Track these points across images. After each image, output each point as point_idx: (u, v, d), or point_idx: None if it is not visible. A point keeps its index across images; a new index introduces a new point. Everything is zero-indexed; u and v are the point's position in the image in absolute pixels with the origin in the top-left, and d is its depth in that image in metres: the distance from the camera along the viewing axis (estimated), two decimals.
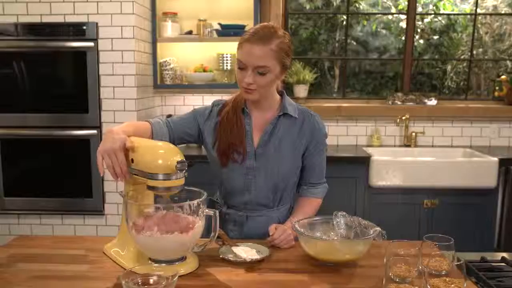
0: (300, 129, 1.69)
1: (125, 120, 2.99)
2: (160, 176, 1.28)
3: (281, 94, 1.72)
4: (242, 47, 1.54)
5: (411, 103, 3.57)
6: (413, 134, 3.52)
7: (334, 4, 3.81)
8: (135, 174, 1.35)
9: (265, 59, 1.52)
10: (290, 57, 1.60)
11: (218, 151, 1.67)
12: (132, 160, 1.34)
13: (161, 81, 3.40)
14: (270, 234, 1.53)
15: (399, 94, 3.61)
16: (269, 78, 1.56)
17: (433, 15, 3.78)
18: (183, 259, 1.35)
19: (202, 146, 1.77)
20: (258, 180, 1.66)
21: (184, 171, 1.30)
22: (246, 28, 3.27)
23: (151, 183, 1.29)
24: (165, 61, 3.37)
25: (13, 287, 1.25)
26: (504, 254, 1.52)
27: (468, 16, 3.72)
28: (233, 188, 1.69)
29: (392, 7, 3.78)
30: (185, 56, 3.48)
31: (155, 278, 1.14)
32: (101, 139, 2.98)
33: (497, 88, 3.66)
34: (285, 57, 1.57)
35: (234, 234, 1.70)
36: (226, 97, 3.59)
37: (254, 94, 1.58)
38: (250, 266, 1.38)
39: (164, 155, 1.29)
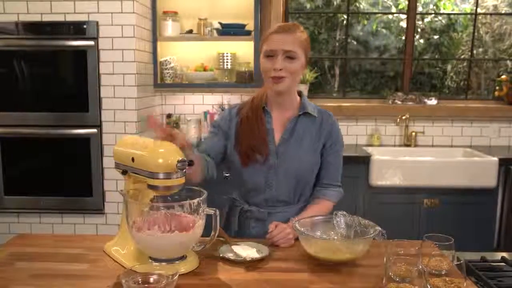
0: (320, 128, 1.73)
1: (125, 119, 3.00)
2: (161, 175, 1.28)
3: (299, 94, 1.77)
4: (269, 38, 1.62)
5: (411, 103, 3.57)
6: (413, 133, 3.53)
7: (335, 3, 3.80)
8: (135, 173, 1.35)
9: (293, 45, 1.60)
10: (309, 52, 1.69)
11: (239, 152, 1.69)
12: (133, 158, 1.34)
13: (161, 80, 3.40)
14: (269, 231, 1.54)
15: (399, 93, 3.61)
16: (297, 65, 1.62)
17: (433, 15, 3.77)
18: (183, 258, 1.35)
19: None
20: (279, 177, 1.69)
21: (184, 170, 1.30)
22: (247, 28, 3.27)
23: (152, 182, 1.29)
24: (165, 60, 3.37)
25: (12, 286, 1.25)
26: (504, 254, 1.52)
27: (469, 16, 3.72)
28: (255, 186, 1.71)
29: (393, 7, 3.78)
30: (185, 55, 3.48)
31: (155, 277, 1.14)
32: (101, 138, 3.02)
33: (497, 87, 3.66)
34: (307, 49, 1.66)
35: (256, 231, 1.71)
36: (226, 96, 3.60)
37: (283, 82, 1.62)
38: (250, 265, 1.38)
39: (164, 154, 1.29)
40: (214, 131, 1.78)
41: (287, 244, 1.53)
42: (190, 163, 1.31)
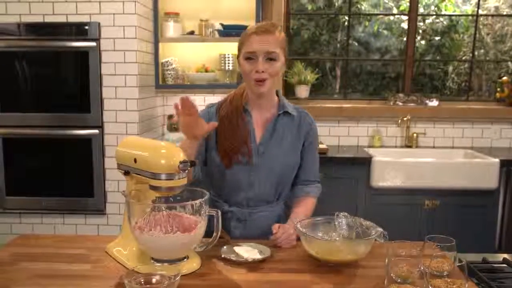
0: (299, 126, 1.75)
1: (126, 120, 3.01)
2: (163, 176, 1.28)
3: (277, 93, 1.78)
4: (249, 40, 1.61)
5: (412, 104, 3.57)
6: (414, 135, 3.53)
7: (336, 4, 3.81)
8: (138, 174, 1.35)
9: (274, 46, 1.60)
10: (287, 51, 1.70)
11: (221, 153, 1.68)
12: (135, 159, 1.34)
13: (163, 81, 3.41)
14: (274, 232, 1.54)
15: (401, 95, 3.61)
16: (278, 66, 1.63)
17: (434, 16, 3.77)
18: (185, 258, 1.35)
19: None
20: (261, 177, 1.69)
21: (186, 171, 1.30)
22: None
23: (154, 183, 1.30)
24: (167, 61, 3.38)
25: (14, 286, 1.25)
26: (506, 255, 1.52)
27: (470, 17, 3.72)
28: (237, 186, 1.71)
29: (394, 8, 3.78)
30: (187, 56, 3.49)
31: (157, 277, 1.15)
32: (103, 139, 3.02)
33: (498, 89, 3.66)
34: (286, 49, 1.66)
35: (237, 231, 1.71)
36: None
37: (265, 84, 1.63)
38: (252, 266, 1.38)
39: (166, 155, 1.29)
40: None
41: (291, 244, 1.54)
42: (192, 164, 1.31)
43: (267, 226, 1.61)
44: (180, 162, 1.27)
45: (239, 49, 1.66)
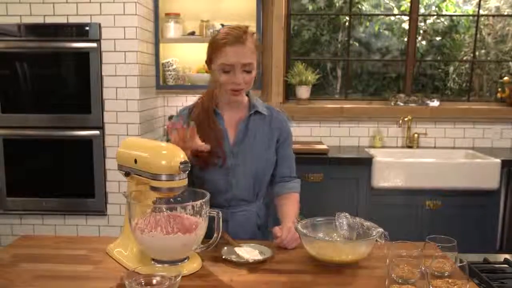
0: (270, 124, 1.77)
1: (127, 121, 3.01)
2: (163, 177, 1.28)
3: (247, 94, 1.78)
4: (223, 51, 1.59)
5: (413, 104, 3.57)
6: (416, 135, 3.52)
7: (337, 5, 3.80)
8: (138, 175, 1.35)
9: (250, 56, 1.60)
10: (260, 52, 1.72)
11: (195, 156, 1.66)
12: (136, 160, 1.34)
13: (163, 82, 3.41)
14: (278, 235, 1.53)
15: (401, 95, 3.61)
16: (254, 74, 1.65)
17: (435, 16, 3.77)
18: (186, 259, 1.35)
19: None
20: (238, 177, 1.71)
21: (187, 172, 1.30)
22: (249, 29, 3.27)
23: (154, 183, 1.29)
24: (167, 62, 3.38)
25: (16, 287, 1.25)
26: (507, 256, 1.52)
27: (471, 18, 3.72)
28: (215, 188, 1.70)
29: (395, 8, 3.78)
30: (187, 57, 3.49)
31: (158, 278, 1.15)
32: (103, 140, 3.02)
33: (499, 89, 3.66)
34: (259, 53, 1.67)
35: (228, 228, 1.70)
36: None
37: (241, 94, 1.66)
38: (253, 267, 1.38)
39: (167, 156, 1.29)
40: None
41: (296, 243, 1.53)
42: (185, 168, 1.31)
43: (248, 226, 1.65)
44: (181, 163, 1.27)
45: (211, 58, 1.64)
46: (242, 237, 1.65)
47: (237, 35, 1.59)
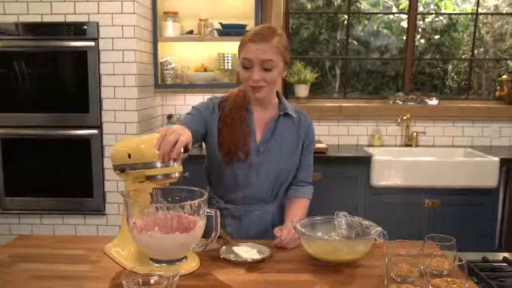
0: (298, 128, 1.77)
1: (126, 120, 3.01)
2: (158, 164, 1.27)
3: (277, 94, 1.80)
4: (245, 47, 1.60)
5: (412, 103, 3.57)
6: (414, 134, 3.52)
7: (335, 3, 3.80)
8: (134, 169, 1.34)
9: (270, 54, 1.58)
10: (289, 54, 1.69)
11: (221, 150, 1.68)
12: (129, 155, 1.33)
13: (162, 80, 3.40)
14: (277, 235, 1.53)
15: (400, 93, 3.61)
16: (275, 73, 1.62)
17: (434, 15, 3.77)
18: (184, 259, 1.34)
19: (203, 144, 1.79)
20: (260, 176, 1.70)
21: (181, 156, 1.29)
22: (248, 28, 3.27)
23: (150, 172, 1.28)
24: (166, 61, 3.37)
25: (13, 287, 1.25)
26: (506, 254, 1.52)
27: (469, 16, 3.72)
28: (235, 183, 1.71)
29: (393, 7, 3.78)
30: (185, 55, 3.48)
31: (156, 278, 1.14)
32: (102, 139, 3.02)
33: (498, 87, 3.66)
34: (286, 53, 1.65)
35: (231, 228, 1.71)
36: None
37: (262, 91, 1.64)
38: (251, 266, 1.37)
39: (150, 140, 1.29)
40: (195, 113, 1.73)
41: (295, 243, 1.53)
42: (186, 149, 1.30)
43: (261, 225, 1.64)
44: (173, 146, 1.25)
45: (238, 54, 1.66)
46: (252, 236, 1.65)
47: (263, 34, 1.59)
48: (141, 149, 1.29)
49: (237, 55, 1.68)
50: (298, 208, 1.74)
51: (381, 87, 3.82)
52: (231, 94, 1.77)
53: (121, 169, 1.39)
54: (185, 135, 1.28)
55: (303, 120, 1.79)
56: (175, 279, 1.11)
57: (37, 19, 2.96)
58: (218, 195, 1.77)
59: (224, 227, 1.69)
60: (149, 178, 1.30)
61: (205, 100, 1.78)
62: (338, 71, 3.87)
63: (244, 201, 1.73)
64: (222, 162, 1.69)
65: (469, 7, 3.72)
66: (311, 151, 1.81)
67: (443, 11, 3.75)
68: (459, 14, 3.75)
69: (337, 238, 1.46)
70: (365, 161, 3.03)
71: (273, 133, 1.72)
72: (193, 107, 1.76)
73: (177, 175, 1.31)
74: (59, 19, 2.95)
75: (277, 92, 1.79)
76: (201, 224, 1.31)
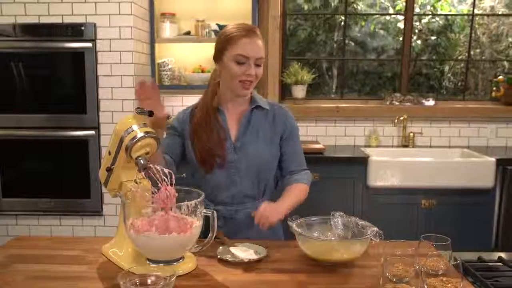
0: (273, 119, 1.77)
1: None
2: (135, 127, 1.35)
3: None
4: (238, 43, 1.61)
5: (409, 104, 3.58)
6: (411, 134, 3.53)
7: (332, 4, 3.81)
8: (116, 154, 1.39)
9: (263, 51, 1.64)
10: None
11: (198, 159, 1.69)
12: (110, 152, 1.41)
13: (159, 81, 3.40)
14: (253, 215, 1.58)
15: (397, 94, 3.62)
16: (262, 68, 1.67)
17: (430, 16, 3.78)
18: (181, 259, 1.35)
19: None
20: (241, 173, 1.71)
21: (147, 115, 1.36)
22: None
23: (128, 138, 1.34)
24: (163, 62, 3.37)
25: None
26: (501, 254, 1.52)
27: (466, 17, 3.73)
28: (219, 184, 1.72)
29: (390, 8, 3.79)
30: (183, 56, 3.49)
31: (153, 278, 1.14)
32: (99, 140, 3.02)
33: (494, 88, 3.67)
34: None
35: (225, 229, 1.70)
36: None
37: (250, 87, 1.67)
38: (248, 266, 1.38)
39: (125, 116, 1.41)
40: (170, 133, 1.78)
41: (276, 218, 1.58)
42: (150, 114, 1.36)
43: (254, 223, 1.63)
44: (136, 108, 1.38)
45: (223, 50, 1.64)
46: (246, 235, 1.66)
47: (250, 28, 1.63)
48: (116, 131, 1.38)
49: (219, 52, 1.66)
50: (290, 192, 1.73)
51: (378, 88, 3.82)
52: (200, 100, 1.78)
53: (107, 168, 1.43)
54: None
55: (277, 111, 1.78)
56: (172, 279, 1.12)
57: (34, 20, 2.96)
58: (208, 198, 1.77)
59: (218, 229, 1.69)
60: (130, 143, 1.34)
61: (180, 112, 1.81)
62: (335, 72, 3.87)
63: (233, 201, 1.73)
64: (203, 170, 1.70)
65: (465, 8, 3.74)
66: (294, 139, 1.80)
67: (439, 12, 3.77)
68: (455, 15, 3.76)
69: (333, 238, 1.46)
70: (362, 162, 3.04)
71: (247, 127, 1.72)
72: (168, 127, 1.77)
73: (154, 136, 1.38)
74: (57, 20, 2.95)
75: None
76: (198, 224, 1.31)
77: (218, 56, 1.68)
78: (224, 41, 1.64)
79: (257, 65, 1.63)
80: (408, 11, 3.62)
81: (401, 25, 3.72)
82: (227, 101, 1.74)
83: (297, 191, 1.75)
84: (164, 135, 1.73)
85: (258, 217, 1.57)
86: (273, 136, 1.75)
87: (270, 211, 1.57)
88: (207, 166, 1.69)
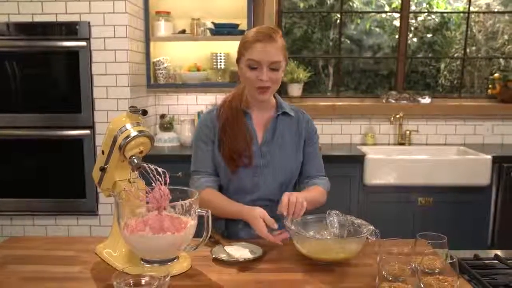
0: (297, 125, 1.78)
1: None
2: (128, 125, 1.36)
3: (273, 95, 1.79)
4: (252, 47, 1.60)
5: (405, 102, 3.57)
6: (407, 132, 3.53)
7: (328, 2, 3.80)
8: (109, 155, 1.39)
9: (278, 55, 1.60)
10: (287, 54, 1.72)
11: (225, 159, 1.69)
12: (103, 151, 1.41)
13: (154, 80, 3.39)
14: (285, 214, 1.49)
15: (393, 92, 3.61)
16: (280, 73, 1.65)
17: (426, 13, 3.78)
18: (175, 259, 1.34)
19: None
20: (266, 177, 1.71)
21: (140, 114, 1.37)
22: (240, 27, 3.27)
23: (121, 137, 1.34)
24: (158, 61, 3.36)
25: None
26: (497, 252, 1.52)
27: (461, 14, 3.73)
28: (243, 188, 1.71)
29: (386, 6, 3.78)
30: (178, 55, 3.47)
31: (147, 278, 1.13)
32: (94, 139, 3.00)
33: (490, 86, 3.68)
34: (286, 53, 1.68)
35: (245, 232, 1.69)
36: (220, 96, 3.60)
37: (268, 92, 1.65)
38: (243, 266, 1.37)
39: (117, 116, 1.42)
40: (203, 148, 1.74)
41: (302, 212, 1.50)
42: (144, 113, 1.39)
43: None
44: (130, 107, 1.38)
45: (240, 54, 1.65)
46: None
47: (267, 33, 1.60)
48: (110, 130, 1.38)
49: (238, 56, 1.67)
50: (309, 189, 1.72)
51: (374, 86, 3.82)
52: (226, 100, 1.77)
53: (100, 168, 1.43)
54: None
55: (301, 117, 1.80)
56: (167, 279, 1.11)
57: (28, 19, 2.94)
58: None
59: (238, 232, 1.70)
60: (124, 142, 1.33)
61: (205, 118, 1.76)
62: (331, 70, 3.87)
63: (254, 204, 1.69)
64: (227, 170, 1.69)
65: (461, 5, 3.74)
66: (315, 145, 1.81)
67: (435, 9, 3.76)
68: (451, 12, 3.76)
69: (329, 237, 1.46)
70: (358, 160, 3.04)
71: (274, 133, 1.73)
72: (197, 139, 1.75)
73: (147, 135, 1.39)
74: (50, 18, 2.93)
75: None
76: (192, 224, 1.30)
77: (237, 60, 1.69)
78: (241, 46, 1.65)
79: (272, 69, 1.60)
80: (404, 9, 3.62)
81: (397, 23, 3.72)
82: (252, 105, 1.74)
83: (315, 191, 1.73)
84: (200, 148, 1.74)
85: (287, 207, 1.48)
86: (298, 142, 1.77)
87: (296, 196, 1.50)
88: (233, 165, 1.68)
